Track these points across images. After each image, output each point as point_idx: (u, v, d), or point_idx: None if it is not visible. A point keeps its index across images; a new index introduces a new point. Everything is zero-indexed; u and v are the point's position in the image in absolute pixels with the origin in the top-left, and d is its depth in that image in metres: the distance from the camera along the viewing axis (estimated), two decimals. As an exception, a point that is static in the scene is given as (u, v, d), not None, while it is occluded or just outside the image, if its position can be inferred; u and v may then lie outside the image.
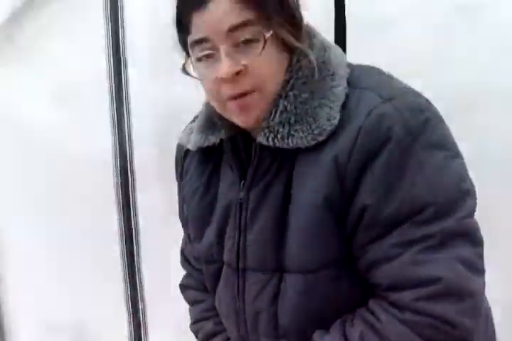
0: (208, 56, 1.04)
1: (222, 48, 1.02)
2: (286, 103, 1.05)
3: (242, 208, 1.13)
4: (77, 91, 1.92)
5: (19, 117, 1.99)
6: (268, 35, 1.01)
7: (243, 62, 1.01)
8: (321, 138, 1.02)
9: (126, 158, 1.93)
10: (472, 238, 1.00)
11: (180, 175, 1.28)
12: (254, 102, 1.05)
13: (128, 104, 1.88)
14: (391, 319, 0.99)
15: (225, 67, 1.01)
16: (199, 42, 1.04)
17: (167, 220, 1.65)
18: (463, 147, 1.08)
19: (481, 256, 1.01)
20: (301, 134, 1.03)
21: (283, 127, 1.04)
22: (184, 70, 1.08)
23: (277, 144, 1.05)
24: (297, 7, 1.07)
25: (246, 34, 1.01)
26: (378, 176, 0.99)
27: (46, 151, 1.98)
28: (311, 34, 1.10)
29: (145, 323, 2.10)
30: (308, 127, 1.03)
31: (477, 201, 1.04)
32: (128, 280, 2.07)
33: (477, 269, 0.99)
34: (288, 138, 1.04)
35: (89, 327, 2.18)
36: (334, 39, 1.57)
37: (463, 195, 1.01)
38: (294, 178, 1.07)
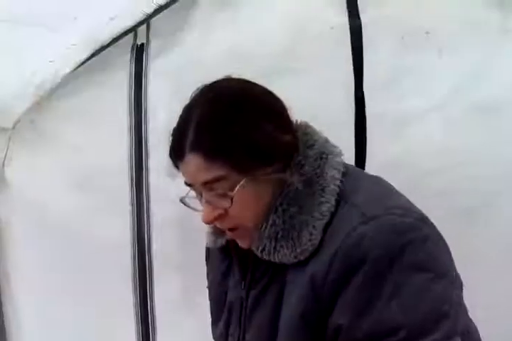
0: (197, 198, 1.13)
1: (203, 196, 1.11)
2: (275, 217, 1.08)
3: (242, 307, 1.19)
4: (98, 179, 1.94)
5: (40, 203, 1.99)
6: (233, 193, 1.06)
7: (223, 206, 1.09)
8: (302, 257, 1.07)
9: (145, 245, 1.92)
10: None
11: (206, 260, 1.39)
12: (242, 234, 1.14)
13: (148, 194, 1.88)
14: None
15: (204, 213, 1.11)
16: (187, 185, 1.13)
17: (184, 311, 1.62)
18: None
19: None
20: (285, 251, 1.08)
21: (270, 242, 1.09)
22: (181, 201, 1.16)
23: (265, 257, 1.10)
24: (275, 141, 1.08)
25: (219, 188, 1.07)
26: (352, 297, 1.02)
27: (62, 240, 1.98)
28: (308, 144, 1.12)
29: None
30: (292, 244, 1.07)
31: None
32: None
33: None
34: (274, 254, 1.09)
35: None
36: (355, 135, 1.58)
37: (440, 318, 1.01)
38: (285, 286, 1.11)
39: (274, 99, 1.13)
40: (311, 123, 1.18)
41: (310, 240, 1.05)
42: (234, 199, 1.06)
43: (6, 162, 1.92)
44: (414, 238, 1.02)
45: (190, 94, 1.13)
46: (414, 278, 1.00)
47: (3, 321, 2.04)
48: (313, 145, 1.12)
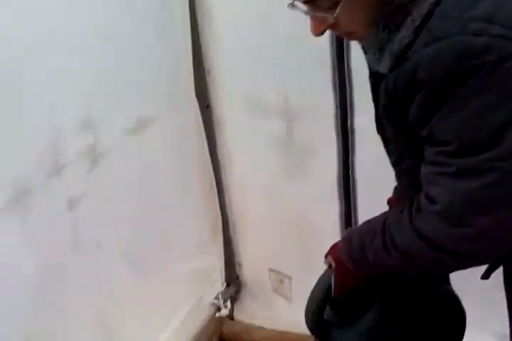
0: None
1: (308, 12, 1.12)
2: (379, 32, 1.09)
3: None
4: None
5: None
6: (335, 11, 1.06)
7: (328, 21, 1.10)
8: (386, 71, 1.11)
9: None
10: (489, 180, 1.00)
11: None
12: (358, 37, 1.18)
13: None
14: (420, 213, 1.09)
15: (312, 27, 1.14)
16: (291, 4, 1.14)
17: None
18: None
19: (488, 195, 1.01)
20: (383, 63, 1.11)
21: (374, 54, 1.14)
22: (289, 5, 1.15)
23: (373, 68, 1.17)
24: None
25: (322, 4, 1.08)
26: (414, 111, 1.05)
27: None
28: None
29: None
30: (386, 58, 1.10)
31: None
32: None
33: (482, 206, 1.02)
34: (378, 65, 1.14)
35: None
36: None
37: (498, 140, 0.99)
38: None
39: None
40: None
41: (390, 54, 1.09)
42: (336, 16, 1.08)
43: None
44: (484, 61, 0.95)
45: None
46: (479, 99, 0.98)
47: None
48: None
